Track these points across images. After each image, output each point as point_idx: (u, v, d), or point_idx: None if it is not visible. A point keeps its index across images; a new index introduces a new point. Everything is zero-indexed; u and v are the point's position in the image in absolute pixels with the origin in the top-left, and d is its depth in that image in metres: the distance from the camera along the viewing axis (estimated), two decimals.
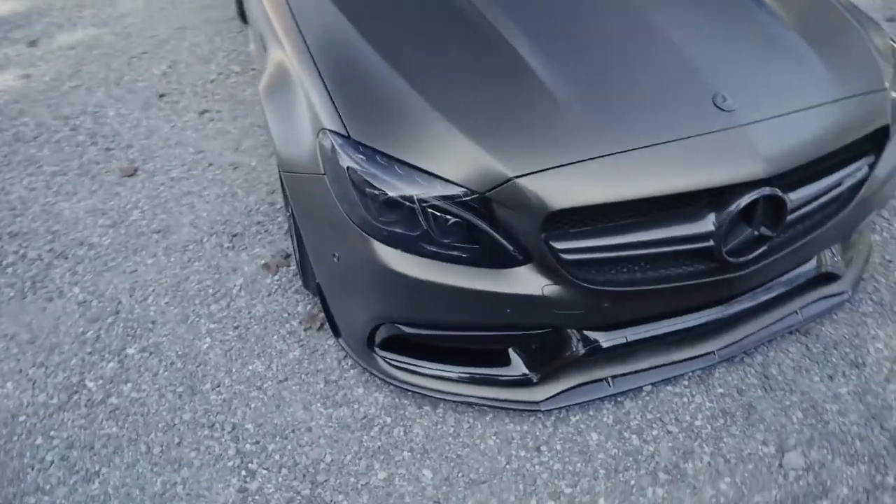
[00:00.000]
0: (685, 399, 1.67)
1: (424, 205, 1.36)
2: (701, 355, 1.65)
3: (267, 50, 1.94)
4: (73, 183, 2.68)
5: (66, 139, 3.01)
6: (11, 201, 2.59)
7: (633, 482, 1.50)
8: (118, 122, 3.12)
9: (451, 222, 1.37)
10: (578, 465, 1.54)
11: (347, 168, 1.41)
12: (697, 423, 1.61)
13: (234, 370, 1.81)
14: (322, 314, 1.94)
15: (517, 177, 1.31)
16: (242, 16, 3.98)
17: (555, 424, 1.62)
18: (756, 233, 1.44)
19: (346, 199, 1.43)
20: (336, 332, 1.76)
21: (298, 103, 1.60)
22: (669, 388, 1.70)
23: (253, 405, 1.72)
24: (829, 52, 1.59)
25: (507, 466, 1.54)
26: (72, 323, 2.00)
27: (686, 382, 1.71)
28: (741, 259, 1.44)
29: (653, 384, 1.68)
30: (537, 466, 1.54)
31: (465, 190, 1.34)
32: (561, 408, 1.59)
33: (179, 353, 1.88)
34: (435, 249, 1.40)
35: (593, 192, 1.31)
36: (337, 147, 1.42)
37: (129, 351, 1.89)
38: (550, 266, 1.38)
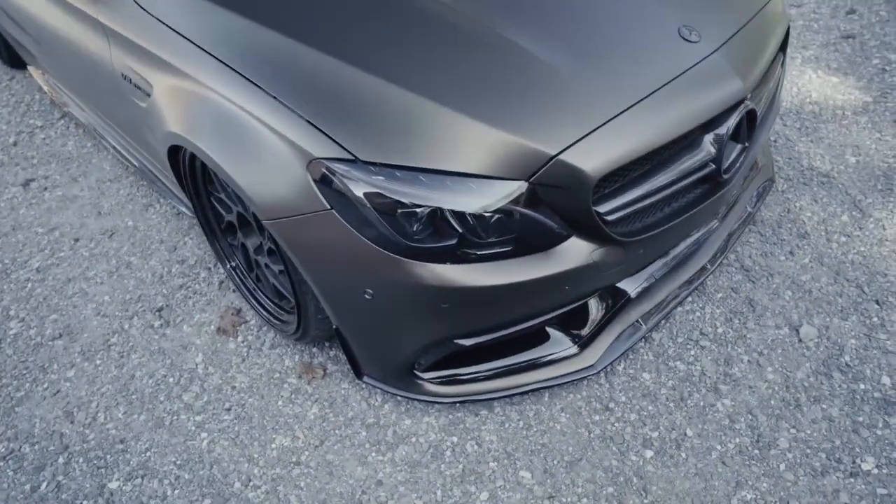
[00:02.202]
0: (698, 314, 1.78)
1: (462, 211, 1.26)
2: (699, 271, 1.76)
3: (150, 83, 1.64)
4: None
5: None
6: None
7: (701, 403, 1.58)
8: None
9: (493, 219, 1.29)
10: (649, 407, 1.58)
11: (365, 194, 1.25)
12: (720, 330, 1.74)
13: (256, 456, 1.57)
14: (318, 360, 1.76)
15: (559, 153, 1.26)
16: (12, 62, 3.33)
17: (608, 380, 1.65)
18: (741, 147, 1.55)
19: (369, 229, 1.28)
20: (358, 374, 1.60)
21: (255, 137, 1.38)
22: (680, 309, 1.80)
23: (303, 483, 1.51)
24: None
25: (591, 435, 1.54)
26: (8, 484, 1.59)
27: (690, 299, 1.82)
28: (730, 173, 1.54)
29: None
30: (617, 424, 1.56)
31: (505, 181, 1.27)
32: (612, 363, 1.61)
33: (178, 462, 1.58)
34: (480, 252, 1.32)
35: (628, 149, 1.31)
36: (344, 175, 1.26)
37: (112, 485, 1.56)
38: (596, 231, 1.36)
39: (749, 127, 1.54)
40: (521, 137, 1.26)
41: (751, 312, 1.77)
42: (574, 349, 1.57)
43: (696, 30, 1.47)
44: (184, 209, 2.12)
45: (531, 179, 1.27)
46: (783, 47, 1.78)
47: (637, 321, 1.66)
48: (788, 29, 1.76)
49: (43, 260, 2.22)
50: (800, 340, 1.69)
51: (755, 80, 1.49)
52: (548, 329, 1.59)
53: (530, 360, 1.58)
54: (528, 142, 1.26)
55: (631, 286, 1.59)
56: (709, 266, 1.76)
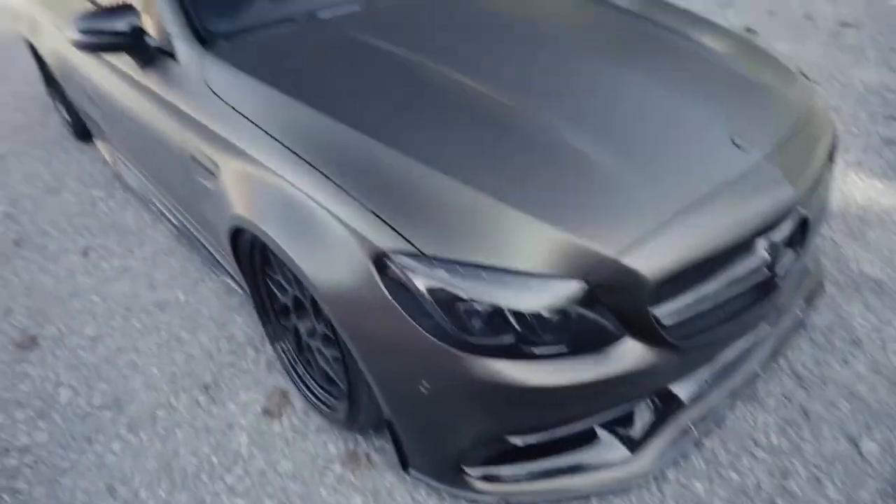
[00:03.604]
0: (750, 421, 1.74)
1: (522, 311, 1.28)
2: (749, 376, 1.73)
3: (217, 165, 1.73)
4: None
5: None
6: None
7: None
8: None
9: (550, 318, 1.31)
10: None
11: (428, 288, 1.28)
12: (773, 440, 1.69)
13: None
14: (362, 448, 1.75)
15: (620, 254, 1.28)
16: (81, 135, 3.53)
17: (659, 488, 1.60)
18: (793, 252, 1.56)
19: (429, 322, 1.30)
20: (405, 466, 1.58)
21: (320, 224, 1.43)
22: (732, 415, 1.76)
23: None
24: (772, 76, 1.81)
25: None
26: None
27: (742, 405, 1.78)
28: (784, 279, 1.54)
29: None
30: None
31: (565, 281, 1.29)
32: (663, 469, 1.57)
33: None
34: (536, 350, 1.32)
35: (685, 252, 1.33)
36: (408, 268, 1.29)
37: None
38: (651, 334, 1.36)
39: (801, 233, 1.56)
40: (581, 238, 1.29)
41: (806, 422, 1.72)
42: (624, 454, 1.54)
43: (746, 136, 1.52)
44: (235, 287, 2.18)
45: (589, 280, 1.29)
46: (831, 154, 1.81)
47: (688, 426, 1.62)
48: (835, 135, 1.80)
49: (96, 329, 2.28)
50: (861, 456, 1.64)
51: (806, 186, 1.52)
52: (597, 430, 1.57)
53: (578, 462, 1.55)
54: (588, 243, 1.29)
55: (683, 390, 1.57)
56: (760, 372, 1.74)
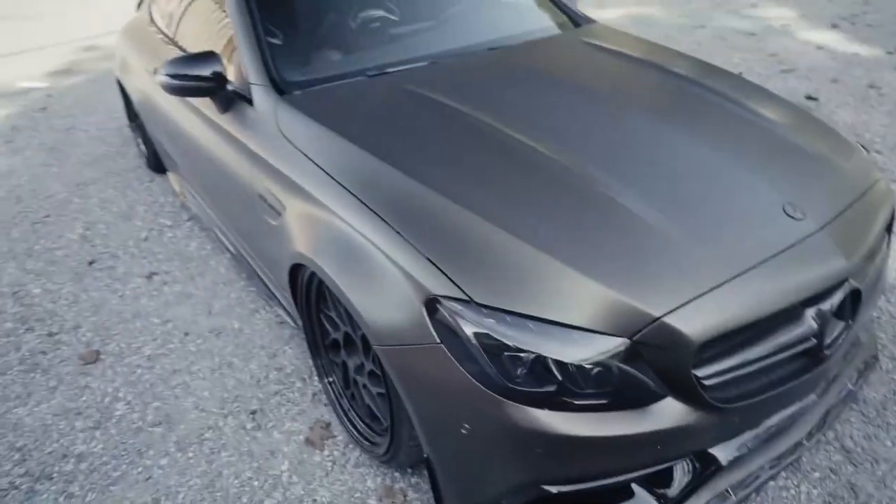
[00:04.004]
0: (793, 492, 1.71)
1: (565, 362, 1.32)
2: (794, 445, 1.70)
3: (283, 205, 1.84)
4: (22, 382, 2.29)
5: None
6: None
7: None
8: (49, 300, 2.75)
9: (593, 371, 1.34)
10: None
11: (475, 334, 1.34)
12: None
13: None
14: (399, 485, 1.78)
15: (664, 315, 1.32)
16: (155, 167, 3.76)
17: None
18: (843, 324, 1.56)
19: (474, 366, 1.35)
20: None
21: (377, 267, 1.51)
22: (772, 483, 1.73)
23: None
24: (832, 150, 1.83)
25: None
26: None
27: (784, 474, 1.75)
28: (831, 350, 1.54)
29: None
30: None
31: (609, 337, 1.32)
32: None
33: None
34: (577, 402, 1.35)
35: (731, 317, 1.35)
36: (457, 313, 1.35)
37: None
38: (692, 394, 1.38)
39: (853, 305, 1.55)
40: (627, 297, 1.33)
41: (853, 499, 1.68)
42: None
43: (800, 207, 1.54)
44: (288, 319, 2.27)
45: (634, 338, 1.32)
46: (889, 227, 1.81)
47: (726, 491, 1.60)
48: (894, 209, 1.80)
49: (154, 349, 2.40)
50: None
51: (859, 259, 1.52)
52: (633, 486, 1.57)
53: None
54: (633, 301, 1.33)
55: (723, 453, 1.56)
56: (805, 442, 1.71)
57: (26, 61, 6.90)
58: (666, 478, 1.55)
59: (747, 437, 1.60)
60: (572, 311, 1.33)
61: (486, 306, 1.34)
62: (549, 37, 2.53)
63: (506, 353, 1.32)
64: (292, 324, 2.24)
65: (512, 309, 1.34)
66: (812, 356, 1.53)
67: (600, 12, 7.03)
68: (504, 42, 2.43)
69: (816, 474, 1.75)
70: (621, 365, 1.34)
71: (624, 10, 7.13)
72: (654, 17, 6.76)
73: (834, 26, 5.96)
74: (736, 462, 1.59)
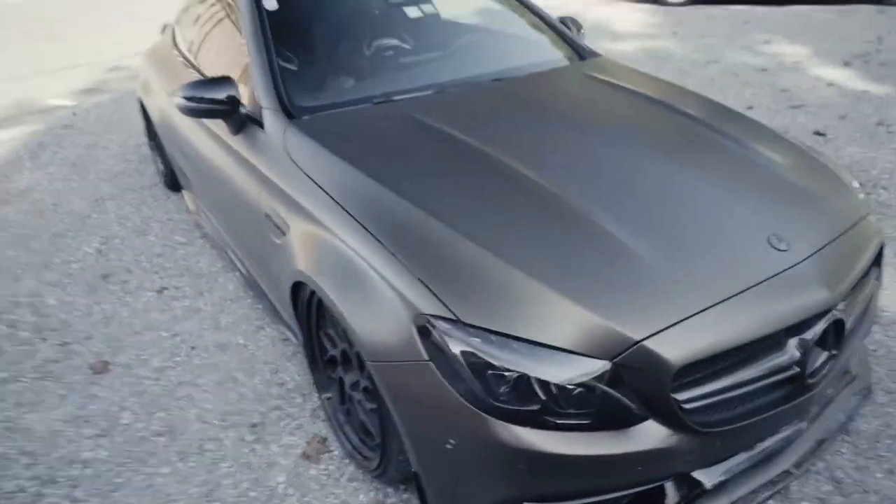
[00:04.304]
0: None
1: (548, 381, 1.37)
2: (781, 473, 1.73)
3: (287, 224, 1.92)
4: (34, 389, 2.37)
5: (4, 338, 2.68)
6: None
7: None
8: (64, 311, 2.84)
9: (575, 391, 1.39)
10: None
11: (461, 352, 1.39)
12: None
13: None
14: (391, 501, 1.83)
15: (644, 339, 1.37)
16: (171, 185, 3.88)
17: None
18: (827, 353, 1.60)
19: (461, 384, 1.40)
20: None
21: (372, 286, 1.58)
22: None
23: None
24: (821, 185, 1.88)
25: None
26: None
27: (772, 502, 1.77)
28: (815, 378, 1.57)
29: None
30: None
31: (590, 359, 1.37)
32: None
33: None
34: (559, 421, 1.40)
35: (710, 343, 1.40)
36: (445, 332, 1.41)
37: None
38: (672, 417, 1.42)
39: (836, 335, 1.59)
40: (609, 321, 1.39)
41: None
42: None
43: (785, 239, 1.59)
44: (290, 336, 2.34)
45: (615, 360, 1.37)
46: (878, 262, 1.85)
47: None
48: (882, 245, 1.84)
49: (162, 361, 2.47)
50: None
51: (843, 291, 1.56)
52: None
53: None
54: (615, 325, 1.38)
55: (707, 477, 1.59)
56: (793, 470, 1.73)
57: (57, 80, 7.14)
58: (653, 500, 1.58)
59: (733, 462, 1.63)
60: (556, 333, 1.39)
61: (472, 326, 1.40)
62: (553, 69, 2.62)
63: (490, 372, 1.38)
64: (295, 341, 2.31)
65: (497, 329, 1.39)
66: (796, 384, 1.56)
67: (616, 45, 7.15)
68: (509, 73, 2.52)
69: (805, 503, 1.76)
70: (604, 387, 1.38)
71: (639, 44, 7.24)
72: (669, 51, 6.85)
73: (846, 64, 6.02)
74: (721, 487, 1.61)
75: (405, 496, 1.84)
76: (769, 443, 1.68)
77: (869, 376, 2.06)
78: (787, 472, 1.72)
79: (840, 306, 1.62)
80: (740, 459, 1.64)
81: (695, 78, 5.81)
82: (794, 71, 5.91)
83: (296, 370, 2.38)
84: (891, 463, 1.87)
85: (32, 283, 3.07)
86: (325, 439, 2.05)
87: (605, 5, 9.85)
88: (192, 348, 2.53)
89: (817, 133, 4.38)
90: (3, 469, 2.01)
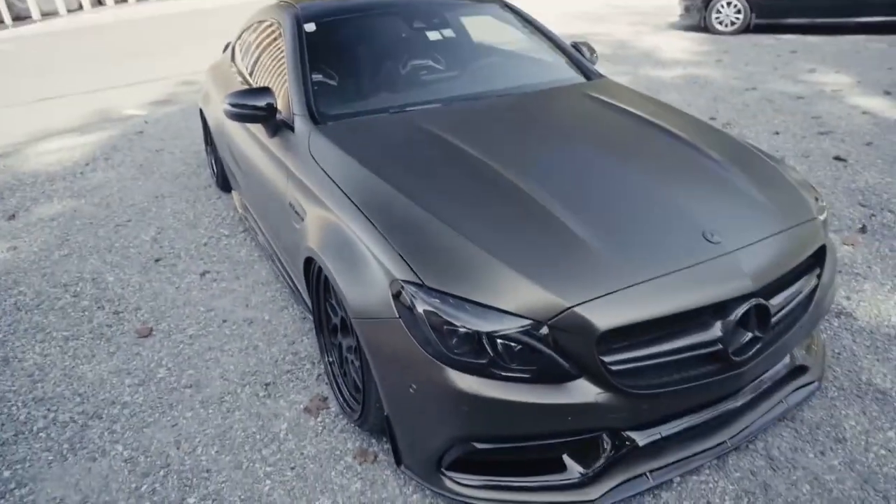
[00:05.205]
0: (710, 485, 1.92)
1: (494, 336, 1.64)
2: (717, 444, 1.92)
3: (305, 211, 2.25)
4: (89, 346, 2.77)
5: (69, 305, 3.11)
6: (28, 368, 2.64)
7: None
8: (119, 286, 3.26)
9: (516, 349, 1.65)
10: None
11: (424, 311, 1.68)
12: None
13: None
14: (373, 449, 2.11)
15: (573, 306, 1.62)
16: (223, 185, 4.31)
17: None
18: (751, 335, 1.80)
19: (423, 337, 1.69)
20: (398, 461, 1.93)
21: (361, 258, 1.88)
22: (695, 477, 1.95)
23: None
24: (769, 191, 2.08)
25: None
26: (122, 479, 2.05)
27: (707, 471, 1.97)
28: (742, 357, 1.78)
29: (681, 475, 1.93)
30: None
31: (530, 321, 1.64)
32: None
33: (242, 497, 1.97)
34: (502, 373, 1.66)
35: (633, 313, 1.64)
36: (413, 294, 1.70)
37: (190, 500, 1.96)
38: (600, 377, 1.66)
39: (760, 321, 1.79)
40: (547, 290, 1.65)
41: (763, 496, 1.88)
42: (576, 479, 1.79)
43: (718, 233, 1.82)
44: (309, 315, 2.67)
45: (549, 322, 1.63)
46: (819, 264, 2.04)
47: (645, 474, 1.85)
48: (824, 249, 2.03)
49: (197, 330, 2.84)
50: None
51: (765, 281, 1.77)
52: (564, 460, 1.83)
53: (540, 483, 1.82)
54: (552, 294, 1.64)
55: (640, 437, 1.81)
56: (728, 442, 1.93)
57: (134, 92, 7.84)
58: (588, 453, 1.81)
59: (665, 427, 1.84)
60: (503, 298, 1.66)
61: (434, 290, 1.69)
62: (555, 87, 2.90)
63: (447, 328, 1.66)
64: (311, 318, 2.63)
65: (455, 293, 1.68)
66: (724, 362, 1.77)
67: (658, 72, 7.34)
68: (513, 90, 2.82)
69: (737, 474, 1.95)
70: (541, 346, 1.64)
71: (681, 71, 7.41)
72: (709, 78, 7.00)
73: (887, 93, 6.03)
74: (653, 447, 1.83)
75: (386, 446, 2.12)
76: (704, 416, 1.89)
77: (821, 370, 2.23)
78: (722, 444, 1.92)
79: (776, 299, 1.83)
80: (674, 426, 1.85)
81: (728, 104, 5.94)
82: (831, 99, 5.97)
83: (309, 343, 2.70)
84: (824, 447, 2.03)
85: (96, 263, 3.52)
86: (325, 398, 2.36)
87: (655, 34, 10.04)
88: (224, 321, 2.89)
89: (837, 158, 4.48)
90: (61, 404, 2.40)
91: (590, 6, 14.22)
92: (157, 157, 5.30)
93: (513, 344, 1.65)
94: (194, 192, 4.48)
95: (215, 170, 4.41)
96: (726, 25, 9.50)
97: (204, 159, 4.99)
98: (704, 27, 9.73)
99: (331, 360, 2.37)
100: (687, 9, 9.98)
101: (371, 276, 1.83)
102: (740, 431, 1.95)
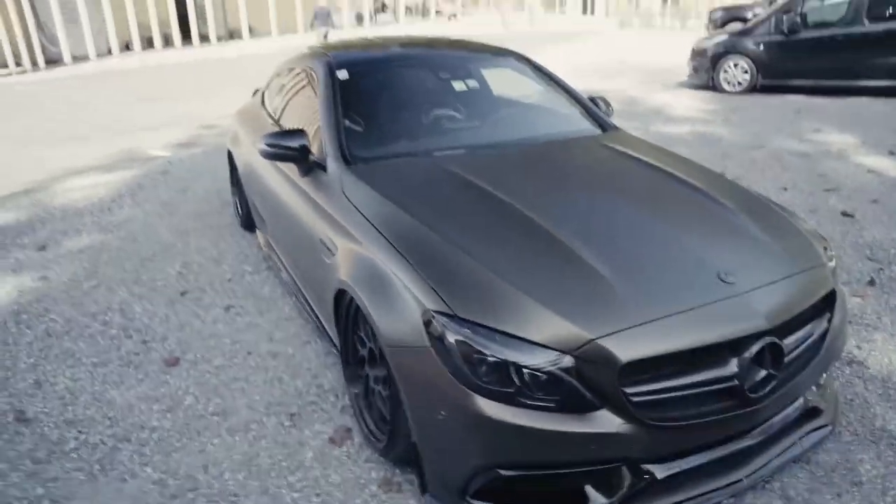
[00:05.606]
0: None
1: (521, 366, 1.72)
2: (733, 482, 1.97)
3: (336, 246, 2.36)
4: (118, 373, 2.85)
5: (98, 333, 3.20)
6: (59, 391, 2.72)
7: None
8: (147, 317, 3.36)
9: (542, 378, 1.73)
10: None
11: (455, 340, 1.77)
12: None
13: None
14: (397, 478, 2.16)
15: (597, 338, 1.71)
16: (246, 225, 4.45)
17: None
18: (766, 372, 1.88)
19: (452, 366, 1.77)
20: (423, 488, 1.98)
21: (393, 289, 1.98)
22: None
23: None
24: (780, 237, 2.20)
25: None
26: (152, 501, 2.10)
27: None
28: (757, 394, 1.85)
29: None
30: None
31: (556, 352, 1.72)
32: None
33: None
34: (528, 401, 1.74)
35: (654, 347, 1.73)
36: (444, 324, 1.79)
37: None
38: (622, 408, 1.73)
39: (775, 359, 1.87)
40: (573, 322, 1.74)
41: None
42: None
43: (733, 274, 1.92)
44: (333, 350, 2.75)
45: (574, 353, 1.72)
46: (830, 308, 2.13)
47: None
48: (834, 294, 2.12)
49: (223, 361, 2.92)
50: None
51: (778, 321, 1.86)
52: (587, 491, 1.88)
53: None
54: (576, 326, 1.73)
55: (659, 470, 1.86)
56: (744, 481, 1.98)
57: (158, 134, 8.10)
58: (610, 485, 1.87)
59: (685, 462, 1.90)
60: (531, 330, 1.75)
61: (465, 320, 1.78)
62: (572, 138, 3.05)
63: (476, 356, 1.74)
64: (336, 352, 2.71)
65: (485, 324, 1.77)
66: (740, 398, 1.85)
67: (667, 128, 7.56)
68: (532, 140, 2.97)
69: None
70: (566, 377, 1.72)
71: (690, 128, 7.62)
72: (717, 136, 7.19)
73: (891, 153, 6.19)
74: (671, 482, 1.89)
75: (410, 476, 2.17)
76: (720, 452, 1.95)
77: (834, 414, 2.28)
78: (738, 482, 1.97)
79: (789, 339, 1.92)
80: (692, 461, 1.91)
81: (736, 160, 6.11)
82: (836, 158, 6.13)
83: (333, 377, 2.77)
84: (841, 489, 2.07)
85: (124, 294, 3.62)
86: (349, 429, 2.42)
87: (665, 92, 10.33)
88: (249, 353, 2.98)
89: (844, 214, 4.59)
90: (91, 426, 2.47)
91: (601, 62, 14.67)
92: (182, 195, 5.47)
93: (539, 374, 1.73)
94: (218, 230, 4.62)
95: (240, 209, 4.55)
96: (734, 85, 9.79)
97: (226, 199, 5.15)
98: (713, 86, 10.03)
99: (356, 391, 2.44)
100: (695, 69, 10.30)
101: (403, 306, 1.93)
102: (756, 470, 2.00)
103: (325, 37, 16.12)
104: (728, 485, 1.96)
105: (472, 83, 3.47)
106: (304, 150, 2.76)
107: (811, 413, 2.21)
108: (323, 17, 16.89)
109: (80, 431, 2.45)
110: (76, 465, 2.28)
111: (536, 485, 1.87)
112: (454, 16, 31.89)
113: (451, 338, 1.77)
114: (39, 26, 19.41)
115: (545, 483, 1.86)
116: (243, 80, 12.50)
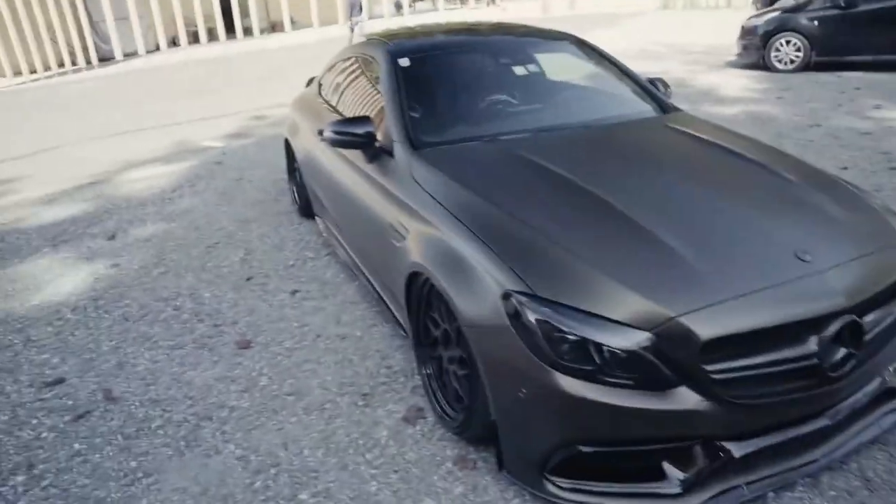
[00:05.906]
0: (805, 502, 1.95)
1: (602, 344, 1.74)
2: (809, 462, 1.96)
3: (407, 230, 2.41)
4: (193, 355, 2.96)
5: (171, 318, 3.33)
6: (140, 372, 2.84)
7: None
8: (216, 302, 3.47)
9: (622, 356, 1.75)
10: None
11: (536, 320, 1.80)
12: None
13: None
14: (472, 456, 2.21)
15: (677, 316, 1.72)
16: (304, 212, 4.54)
17: None
18: (845, 351, 1.86)
19: (533, 344, 1.80)
20: (501, 465, 2.03)
21: (470, 270, 2.02)
22: (789, 493, 1.98)
23: None
24: (855, 215, 2.16)
25: None
26: (237, 475, 2.20)
27: (801, 488, 1.99)
28: (837, 373, 1.84)
29: (775, 490, 1.97)
30: None
31: (637, 330, 1.74)
32: None
33: (351, 496, 2.08)
34: (608, 378, 1.76)
35: (734, 324, 1.73)
36: (524, 303, 1.82)
37: (302, 496, 2.09)
38: (701, 385, 1.74)
39: (854, 338, 1.85)
40: (653, 300, 1.75)
41: None
42: (676, 489, 1.85)
43: (809, 253, 1.90)
44: (400, 331, 2.81)
45: (654, 331, 1.73)
46: None
47: (741, 486, 1.90)
48: None
49: (293, 344, 3.01)
50: None
51: (858, 299, 1.84)
52: (665, 467, 1.89)
53: (640, 489, 1.89)
54: (656, 304, 1.74)
55: (737, 448, 1.86)
56: (821, 460, 1.96)
57: (210, 126, 8.29)
58: (687, 462, 1.88)
59: (761, 440, 1.89)
60: (611, 308, 1.77)
61: (545, 299, 1.81)
62: (634, 120, 3.03)
63: (557, 335, 1.77)
64: (403, 334, 2.77)
65: (564, 302, 1.79)
66: (819, 377, 1.83)
67: (718, 109, 7.39)
68: (596, 122, 2.96)
69: (832, 493, 1.97)
70: (646, 354, 1.74)
71: (742, 108, 7.44)
72: (771, 115, 7.01)
73: None
74: (748, 460, 1.88)
75: (484, 454, 2.22)
76: (798, 431, 1.93)
77: None
78: (814, 461, 1.96)
79: (869, 317, 1.89)
80: (769, 439, 1.90)
81: (792, 139, 5.96)
82: None
83: (402, 358, 2.83)
84: None
85: (192, 280, 3.75)
86: (421, 409, 2.47)
87: (712, 73, 10.09)
88: (318, 336, 3.06)
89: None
90: (174, 405, 2.58)
91: (645, 43, 14.38)
92: (238, 185, 5.60)
93: (619, 351, 1.74)
94: (276, 217, 4.73)
95: (297, 197, 4.65)
96: (786, 63, 9.50)
97: (282, 188, 5.26)
98: (763, 65, 9.74)
99: (428, 371, 2.49)
100: (745, 48, 10.03)
101: (481, 287, 1.96)
102: (833, 451, 1.98)
103: (353, 29, 15.65)
104: (804, 464, 1.95)
105: (532, 67, 3.47)
106: (371, 137, 2.81)
107: (889, 393, 2.17)
108: (354, 8, 16.34)
109: (164, 410, 2.57)
110: (163, 441, 2.39)
111: (614, 460, 1.89)
112: (493, 1, 31.63)
113: (532, 317, 1.80)
114: (92, 25, 20.05)
115: (623, 459, 1.88)
116: (286, 72, 12.66)
